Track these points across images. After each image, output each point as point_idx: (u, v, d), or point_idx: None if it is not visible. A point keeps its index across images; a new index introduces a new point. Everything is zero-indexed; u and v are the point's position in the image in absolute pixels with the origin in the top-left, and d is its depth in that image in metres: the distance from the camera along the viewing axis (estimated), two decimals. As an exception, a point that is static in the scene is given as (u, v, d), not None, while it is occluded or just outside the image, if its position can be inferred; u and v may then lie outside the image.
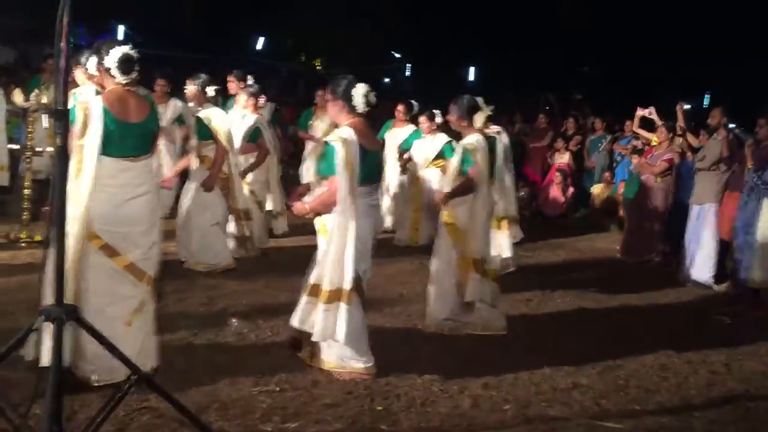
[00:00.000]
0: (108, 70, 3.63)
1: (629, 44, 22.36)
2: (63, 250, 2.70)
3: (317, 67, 31.03)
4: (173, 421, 3.33)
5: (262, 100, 7.03)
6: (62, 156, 2.66)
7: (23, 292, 4.84)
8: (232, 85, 7.45)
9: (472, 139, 4.99)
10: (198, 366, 4.07)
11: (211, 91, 6.07)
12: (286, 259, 6.70)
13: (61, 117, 2.62)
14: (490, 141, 5.16)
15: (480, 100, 5.14)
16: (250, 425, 3.45)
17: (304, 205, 4.10)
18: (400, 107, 8.37)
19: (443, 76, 26.70)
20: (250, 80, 7.41)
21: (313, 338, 3.98)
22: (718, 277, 7.05)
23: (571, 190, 11.03)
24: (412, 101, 8.54)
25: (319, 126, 8.65)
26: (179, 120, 6.37)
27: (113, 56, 3.60)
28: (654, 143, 8.52)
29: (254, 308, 5.23)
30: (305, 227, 7.81)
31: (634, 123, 9.41)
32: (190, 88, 6.07)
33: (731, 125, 7.78)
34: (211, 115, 5.96)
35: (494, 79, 25.82)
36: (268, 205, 7.33)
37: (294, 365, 4.17)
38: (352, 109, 3.99)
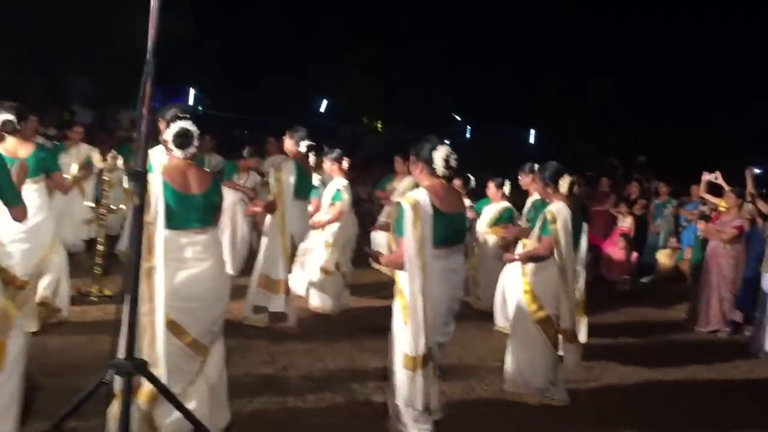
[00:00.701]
0: (165, 143, 3.71)
1: (694, 107, 22.14)
2: (136, 305, 2.80)
3: (379, 129, 31.61)
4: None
5: (345, 162, 7.10)
6: (139, 214, 2.79)
7: (93, 346, 4.98)
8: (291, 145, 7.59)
9: (554, 206, 4.92)
10: (258, 425, 4.09)
11: (303, 146, 6.17)
12: (347, 319, 6.74)
13: (140, 178, 2.76)
14: (575, 210, 5.05)
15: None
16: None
17: (380, 260, 4.17)
18: (457, 182, 8.39)
19: (504, 138, 26.85)
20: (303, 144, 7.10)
21: (397, 401, 3.95)
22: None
23: (634, 254, 10.81)
24: (469, 175, 8.54)
25: (398, 189, 8.78)
26: None
27: (171, 131, 3.67)
28: (722, 209, 8.32)
29: (315, 368, 5.24)
30: (368, 289, 7.91)
31: (701, 188, 9.22)
32: (287, 141, 6.20)
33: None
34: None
35: (555, 142, 25.81)
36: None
37: (352, 426, 4.15)
38: (432, 171, 3.97)
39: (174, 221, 3.52)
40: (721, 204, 8.38)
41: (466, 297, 7.82)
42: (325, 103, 30.28)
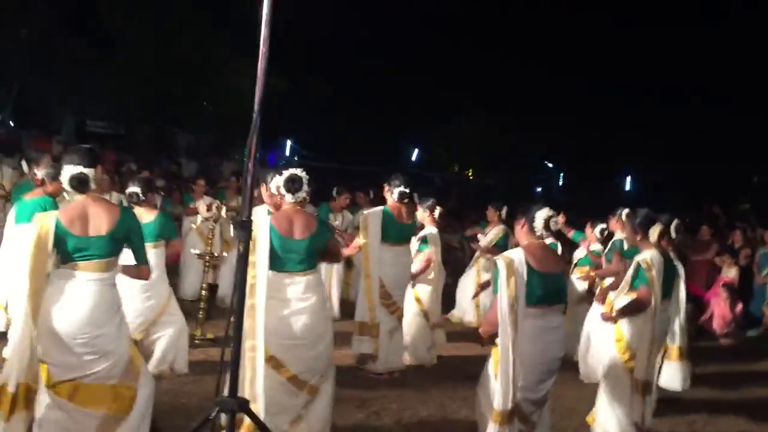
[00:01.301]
0: (278, 189, 4.03)
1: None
2: (239, 346, 2.98)
3: (469, 177, 31.72)
4: None
5: (437, 211, 7.19)
6: (243, 261, 2.99)
7: (199, 386, 5.22)
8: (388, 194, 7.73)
9: (647, 254, 4.87)
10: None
11: (396, 193, 6.26)
12: (438, 366, 6.76)
13: (245, 227, 2.96)
14: (667, 257, 4.99)
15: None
16: None
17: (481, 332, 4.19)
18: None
19: (597, 186, 26.38)
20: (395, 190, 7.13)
21: None
22: None
23: (739, 306, 10.34)
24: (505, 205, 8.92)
25: (486, 237, 8.84)
26: None
27: (282, 177, 3.97)
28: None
29: (405, 414, 5.29)
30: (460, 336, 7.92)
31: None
32: (386, 188, 6.34)
33: None
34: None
35: (652, 189, 25.16)
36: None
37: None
38: (531, 230, 4.06)
39: (278, 264, 3.79)
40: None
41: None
42: (416, 151, 30.74)
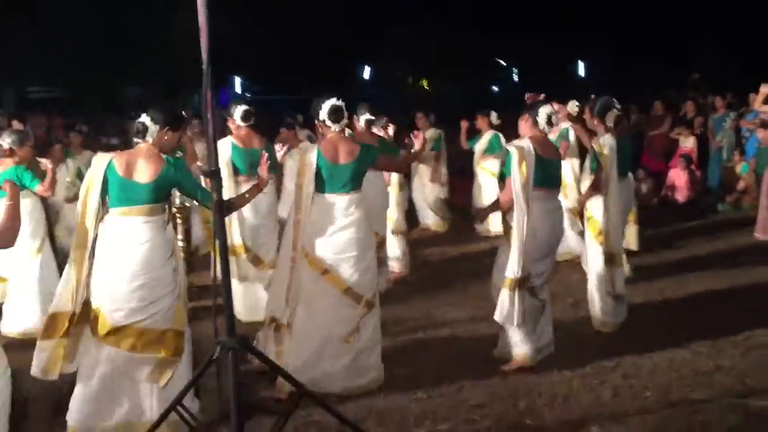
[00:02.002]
0: (323, 122, 4.34)
1: (742, 16, 21.30)
2: (230, 286, 3.15)
3: (425, 87, 31.57)
4: (337, 432, 3.70)
5: (391, 129, 7.24)
6: (219, 208, 3.11)
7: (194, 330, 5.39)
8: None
9: (601, 139, 5.23)
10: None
11: (362, 121, 6.18)
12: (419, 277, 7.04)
13: (215, 175, 3.08)
14: (621, 139, 5.31)
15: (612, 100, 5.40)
16: (405, 430, 3.77)
17: (484, 209, 5.26)
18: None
19: (552, 76, 26.42)
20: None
21: (497, 318, 4.42)
22: None
23: (698, 173, 10.73)
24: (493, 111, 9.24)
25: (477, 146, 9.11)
26: None
27: (325, 109, 4.30)
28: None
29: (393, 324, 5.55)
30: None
31: (758, 100, 9.07)
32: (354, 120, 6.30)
33: None
34: None
35: (604, 73, 25.32)
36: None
37: (439, 375, 4.45)
38: (535, 124, 4.50)
39: (325, 186, 4.22)
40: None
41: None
42: (368, 70, 30.42)
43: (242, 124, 5.70)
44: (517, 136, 4.63)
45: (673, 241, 7.98)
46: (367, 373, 4.30)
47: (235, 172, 5.63)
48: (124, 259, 3.62)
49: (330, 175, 4.23)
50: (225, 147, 5.53)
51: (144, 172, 3.68)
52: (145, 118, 3.73)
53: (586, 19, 24.63)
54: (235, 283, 5.23)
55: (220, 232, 3.13)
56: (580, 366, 4.45)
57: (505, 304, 4.33)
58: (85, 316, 3.68)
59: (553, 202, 4.58)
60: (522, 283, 4.34)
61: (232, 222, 5.52)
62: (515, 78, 32.84)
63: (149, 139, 3.73)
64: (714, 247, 7.66)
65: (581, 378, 4.29)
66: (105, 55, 18.86)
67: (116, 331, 3.63)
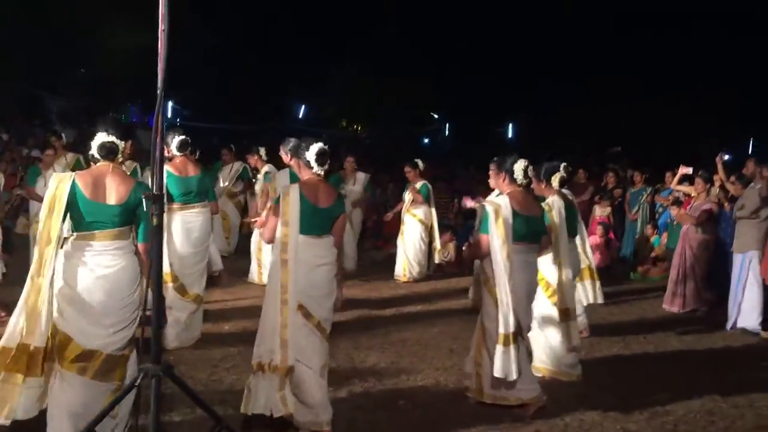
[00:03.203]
0: (308, 163, 4.33)
1: (666, 94, 22.63)
2: (161, 312, 3.10)
3: (358, 132, 31.93)
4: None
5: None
6: (158, 233, 3.08)
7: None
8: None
9: (549, 200, 5.49)
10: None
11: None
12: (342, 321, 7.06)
13: (158, 200, 3.05)
14: (567, 201, 5.63)
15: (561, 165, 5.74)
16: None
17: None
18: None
19: (482, 135, 27.25)
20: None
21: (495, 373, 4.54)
22: (766, 323, 7.16)
23: (614, 242, 11.21)
24: (418, 160, 9.72)
25: (350, 189, 9.29)
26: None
27: (312, 151, 4.29)
28: (693, 195, 8.73)
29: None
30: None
31: (675, 180, 9.65)
32: (282, 152, 6.45)
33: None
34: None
35: (533, 136, 26.28)
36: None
37: (355, 416, 4.45)
38: (512, 180, 4.70)
39: (303, 228, 4.20)
40: (693, 191, 8.80)
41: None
42: (303, 108, 30.57)
43: (178, 153, 5.77)
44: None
45: (588, 306, 8.25)
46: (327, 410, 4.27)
47: (169, 199, 5.58)
48: (95, 285, 3.51)
49: (311, 218, 4.23)
50: None
51: (113, 194, 3.59)
52: (108, 137, 3.63)
53: (518, 85, 25.67)
54: None
55: (157, 258, 3.09)
56: (493, 421, 4.55)
57: (500, 361, 4.48)
58: (55, 350, 3.52)
59: (531, 255, 4.77)
60: (516, 338, 4.53)
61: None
62: (446, 133, 33.66)
63: (120, 157, 3.71)
64: (626, 315, 8.00)
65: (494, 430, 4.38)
66: (29, 62, 18.30)
67: (84, 357, 3.51)
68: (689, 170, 9.13)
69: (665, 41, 22.69)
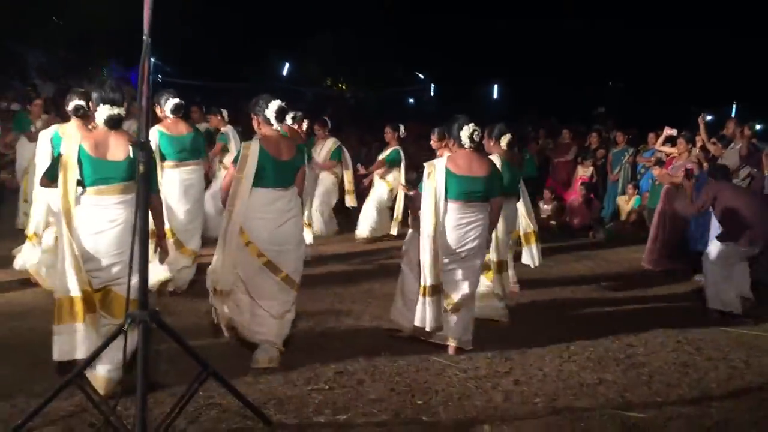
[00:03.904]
0: (267, 119, 4.52)
1: (651, 57, 22.61)
2: (146, 262, 3.13)
3: (343, 90, 31.65)
4: (237, 415, 3.75)
5: (304, 124, 7.54)
6: (145, 181, 3.10)
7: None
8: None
9: (492, 158, 5.56)
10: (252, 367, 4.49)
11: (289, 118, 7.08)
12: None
13: (145, 147, 3.06)
14: (510, 162, 5.88)
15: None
16: (305, 418, 3.84)
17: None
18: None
19: (467, 95, 27.12)
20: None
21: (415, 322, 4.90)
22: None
23: (595, 202, 11.32)
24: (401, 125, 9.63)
25: (318, 155, 9.15)
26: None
27: (271, 108, 4.49)
28: (675, 155, 8.83)
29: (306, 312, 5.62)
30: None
31: (659, 140, 9.72)
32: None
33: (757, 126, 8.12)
34: None
35: (518, 97, 26.21)
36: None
37: (341, 368, 4.56)
38: (461, 145, 4.92)
39: (266, 181, 4.41)
40: (675, 151, 8.88)
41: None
42: (287, 66, 30.20)
43: (171, 116, 5.88)
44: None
45: (569, 266, 8.42)
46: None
47: (162, 158, 5.76)
48: (102, 237, 3.91)
49: (273, 171, 4.42)
50: (152, 135, 5.65)
51: (117, 151, 3.92)
52: (112, 109, 3.97)
53: (504, 46, 25.50)
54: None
55: (143, 205, 3.11)
56: (474, 369, 4.67)
57: (420, 310, 4.79)
58: (93, 296, 3.92)
59: (467, 213, 4.88)
60: (436, 290, 4.78)
61: None
62: (431, 93, 33.46)
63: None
64: (607, 274, 8.12)
65: (475, 380, 4.49)
66: (6, 14, 17.87)
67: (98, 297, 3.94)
68: (674, 131, 9.19)
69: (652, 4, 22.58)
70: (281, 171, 4.46)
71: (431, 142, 6.85)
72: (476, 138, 4.91)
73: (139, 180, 3.10)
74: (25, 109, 9.84)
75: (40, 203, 5.49)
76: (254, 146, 4.41)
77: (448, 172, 4.84)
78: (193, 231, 5.95)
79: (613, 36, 22.90)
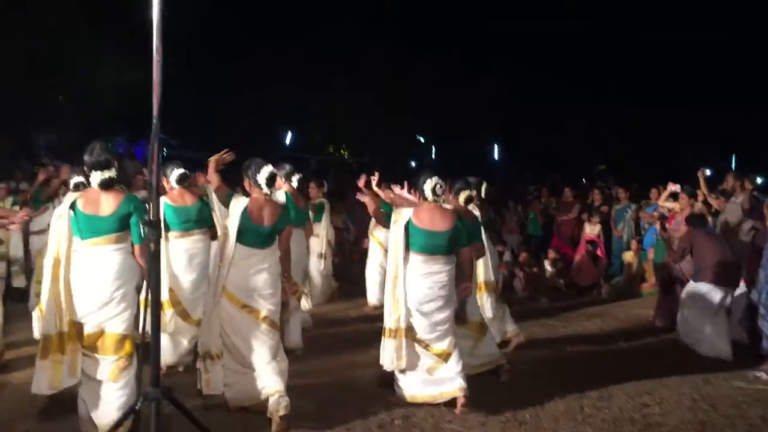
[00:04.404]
0: (257, 183, 4.85)
1: (649, 116, 22.87)
2: (159, 337, 3.15)
3: (345, 157, 32.05)
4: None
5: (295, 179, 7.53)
6: (156, 259, 3.15)
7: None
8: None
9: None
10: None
11: (294, 180, 6.97)
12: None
13: (155, 226, 3.12)
14: (470, 217, 5.97)
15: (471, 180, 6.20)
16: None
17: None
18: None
19: (468, 155, 27.42)
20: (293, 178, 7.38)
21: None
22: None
23: (602, 259, 11.32)
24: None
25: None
26: None
27: (263, 174, 4.85)
28: (677, 211, 8.88)
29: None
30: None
31: (663, 196, 9.79)
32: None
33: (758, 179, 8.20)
34: None
35: (519, 156, 26.49)
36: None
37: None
38: (425, 198, 5.13)
39: (245, 240, 4.77)
40: (678, 206, 8.95)
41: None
42: (290, 135, 30.69)
43: (177, 187, 6.00)
44: None
45: (579, 324, 8.35)
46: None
47: (167, 228, 5.81)
48: (99, 277, 4.24)
49: (251, 234, 4.78)
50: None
51: (106, 207, 4.26)
52: (110, 172, 4.32)
53: (502, 105, 25.88)
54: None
55: (155, 282, 3.16)
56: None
57: (384, 351, 5.08)
58: (74, 334, 4.29)
59: (433, 266, 5.05)
60: (398, 333, 5.02)
61: (163, 276, 5.59)
62: (432, 156, 33.85)
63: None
64: (612, 327, 8.12)
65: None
66: (12, 95, 18.29)
67: (89, 335, 4.28)
68: (677, 187, 9.28)
69: (651, 60, 22.96)
70: (258, 234, 4.80)
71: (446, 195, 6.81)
72: (438, 191, 5.11)
73: (149, 257, 3.15)
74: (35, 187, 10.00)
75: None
76: (240, 204, 4.79)
77: (411, 224, 5.06)
78: (199, 299, 5.94)
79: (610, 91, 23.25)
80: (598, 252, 11.36)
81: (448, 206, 5.43)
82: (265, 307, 4.78)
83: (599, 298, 10.29)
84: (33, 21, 17.23)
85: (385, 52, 25.04)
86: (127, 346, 4.29)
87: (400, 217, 5.12)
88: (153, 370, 3.13)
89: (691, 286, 7.10)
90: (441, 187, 5.14)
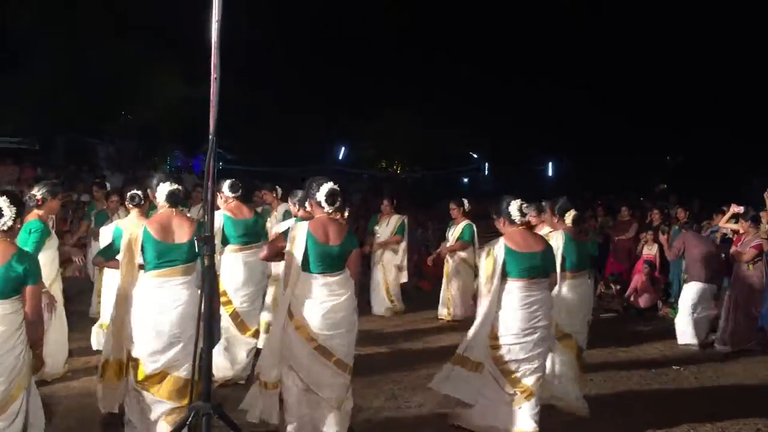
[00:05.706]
0: (318, 203, 4.46)
1: (710, 134, 22.23)
2: (211, 352, 3.16)
3: (398, 172, 32.10)
4: None
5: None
6: (210, 273, 3.16)
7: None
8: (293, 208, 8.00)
9: (553, 233, 5.64)
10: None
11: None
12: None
13: (209, 242, 3.14)
14: (575, 237, 5.74)
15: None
16: None
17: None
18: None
19: (522, 173, 27.14)
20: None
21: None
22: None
23: (660, 279, 11.00)
24: (465, 199, 9.63)
25: (383, 231, 9.40)
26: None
27: (322, 192, 4.43)
28: (741, 232, 8.57)
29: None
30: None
31: (724, 218, 9.49)
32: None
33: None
34: None
35: (574, 174, 26.07)
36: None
37: None
38: (512, 222, 4.82)
39: (314, 266, 4.34)
40: (740, 228, 8.62)
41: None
42: (343, 150, 30.92)
43: (231, 195, 6.04)
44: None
45: (640, 349, 8.08)
46: None
47: (224, 241, 5.94)
48: (165, 317, 4.10)
49: (321, 256, 4.33)
50: (217, 218, 5.81)
51: (180, 234, 4.18)
52: (172, 185, 4.34)
53: (558, 122, 25.52)
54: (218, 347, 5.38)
55: (207, 296, 3.17)
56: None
57: (443, 374, 4.93)
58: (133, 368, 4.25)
59: (533, 291, 4.75)
60: (465, 362, 4.82)
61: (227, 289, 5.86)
62: (485, 172, 33.64)
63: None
64: (673, 352, 7.86)
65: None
66: (78, 111, 18.88)
67: (150, 377, 4.14)
68: (740, 209, 8.95)
69: (713, 78, 22.34)
70: (328, 256, 4.34)
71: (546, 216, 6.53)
72: (526, 211, 4.84)
73: (204, 273, 3.17)
74: (93, 200, 10.27)
75: (111, 290, 5.66)
76: (302, 229, 4.38)
77: (507, 250, 4.74)
78: (257, 311, 6.10)
79: (669, 110, 22.70)
80: (655, 273, 11.04)
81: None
82: (340, 349, 4.38)
83: (659, 322, 9.95)
84: (108, 50, 17.79)
85: (440, 70, 25.08)
86: (187, 393, 3.96)
87: (494, 247, 4.80)
88: (204, 384, 3.13)
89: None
90: (527, 206, 4.88)
